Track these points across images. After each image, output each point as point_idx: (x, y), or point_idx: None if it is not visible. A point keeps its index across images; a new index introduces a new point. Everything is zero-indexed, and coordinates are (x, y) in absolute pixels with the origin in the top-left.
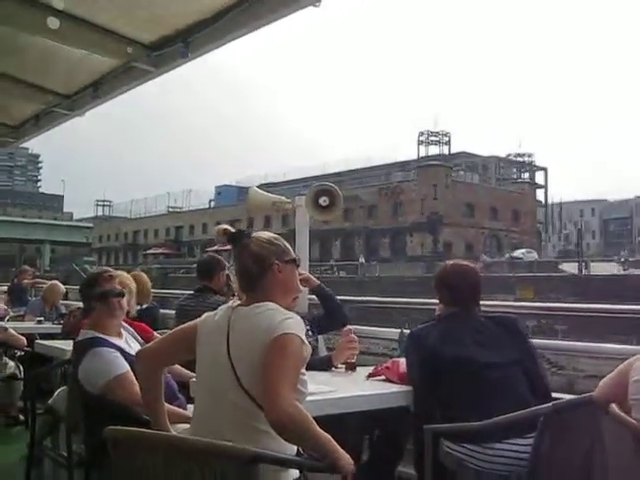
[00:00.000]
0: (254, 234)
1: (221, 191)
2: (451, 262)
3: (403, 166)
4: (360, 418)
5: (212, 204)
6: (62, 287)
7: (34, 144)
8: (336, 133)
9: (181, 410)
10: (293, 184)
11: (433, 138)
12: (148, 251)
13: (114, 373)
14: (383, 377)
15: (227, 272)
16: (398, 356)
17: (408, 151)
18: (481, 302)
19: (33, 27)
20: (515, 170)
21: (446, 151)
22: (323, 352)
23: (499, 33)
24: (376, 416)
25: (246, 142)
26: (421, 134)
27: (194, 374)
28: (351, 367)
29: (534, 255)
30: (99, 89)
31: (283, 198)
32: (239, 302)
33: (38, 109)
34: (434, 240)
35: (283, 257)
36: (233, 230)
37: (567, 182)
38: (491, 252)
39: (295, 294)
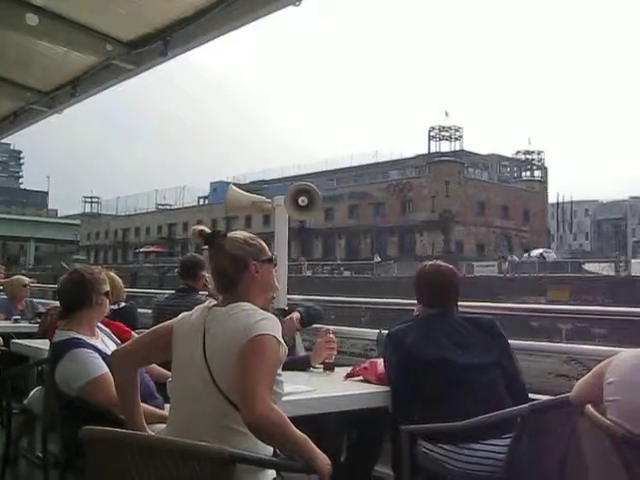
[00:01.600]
0: (230, 234)
1: (217, 187)
2: (430, 262)
3: (403, 164)
4: (338, 418)
5: (206, 201)
6: (24, 279)
7: (15, 139)
8: (336, 131)
9: (158, 410)
10: (288, 181)
11: (444, 133)
12: (140, 249)
13: (92, 375)
14: (361, 377)
15: (203, 273)
16: (376, 356)
17: (415, 148)
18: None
19: (11, 23)
20: (516, 169)
21: (458, 147)
22: (301, 352)
23: (506, 25)
24: (354, 416)
25: (238, 140)
26: (432, 129)
27: (171, 373)
28: (329, 367)
29: (552, 255)
30: (78, 87)
31: (262, 197)
32: (215, 302)
33: (16, 106)
34: (446, 239)
35: (260, 257)
36: (209, 231)
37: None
38: (502, 252)
39: (272, 293)
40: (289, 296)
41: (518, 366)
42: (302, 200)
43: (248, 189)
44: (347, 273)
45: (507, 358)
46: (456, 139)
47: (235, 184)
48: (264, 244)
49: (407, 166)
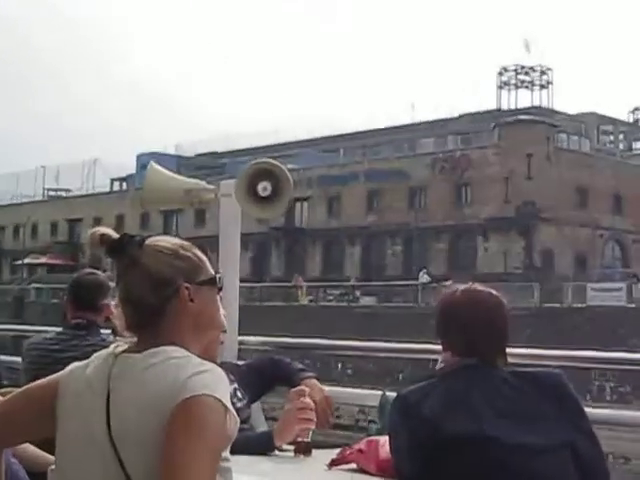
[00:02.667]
0: (149, 241)
1: (146, 162)
2: (462, 287)
3: (451, 125)
4: None
5: (124, 185)
6: None
7: None
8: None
9: None
10: (260, 154)
11: (524, 77)
12: (22, 260)
13: None
14: (354, 465)
15: (107, 301)
16: (378, 432)
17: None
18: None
19: None
20: (622, 136)
21: (545, 100)
22: (261, 425)
23: None
24: None
25: (181, 89)
26: (503, 71)
27: (54, 458)
28: (304, 449)
29: None
30: None
31: (202, 183)
32: (125, 346)
33: None
34: (527, 246)
35: (195, 276)
36: (115, 236)
37: None
38: (615, 267)
39: (215, 332)
40: (241, 337)
41: (600, 448)
42: (263, 187)
43: (196, 165)
44: (369, 299)
45: (582, 435)
46: (542, 86)
47: (184, 157)
48: (203, 257)
49: (452, 131)
